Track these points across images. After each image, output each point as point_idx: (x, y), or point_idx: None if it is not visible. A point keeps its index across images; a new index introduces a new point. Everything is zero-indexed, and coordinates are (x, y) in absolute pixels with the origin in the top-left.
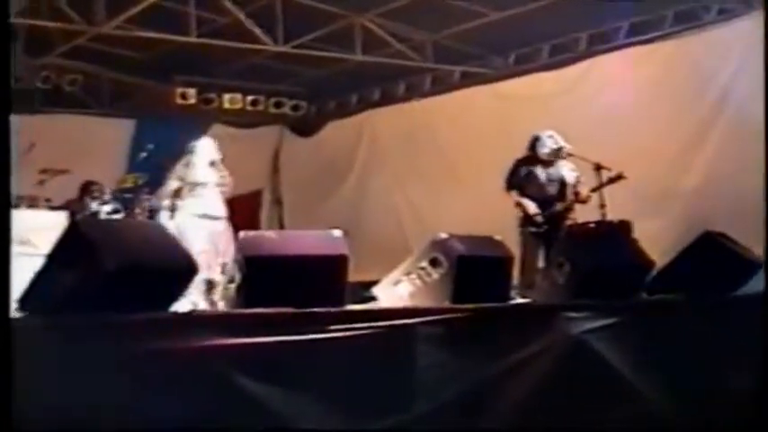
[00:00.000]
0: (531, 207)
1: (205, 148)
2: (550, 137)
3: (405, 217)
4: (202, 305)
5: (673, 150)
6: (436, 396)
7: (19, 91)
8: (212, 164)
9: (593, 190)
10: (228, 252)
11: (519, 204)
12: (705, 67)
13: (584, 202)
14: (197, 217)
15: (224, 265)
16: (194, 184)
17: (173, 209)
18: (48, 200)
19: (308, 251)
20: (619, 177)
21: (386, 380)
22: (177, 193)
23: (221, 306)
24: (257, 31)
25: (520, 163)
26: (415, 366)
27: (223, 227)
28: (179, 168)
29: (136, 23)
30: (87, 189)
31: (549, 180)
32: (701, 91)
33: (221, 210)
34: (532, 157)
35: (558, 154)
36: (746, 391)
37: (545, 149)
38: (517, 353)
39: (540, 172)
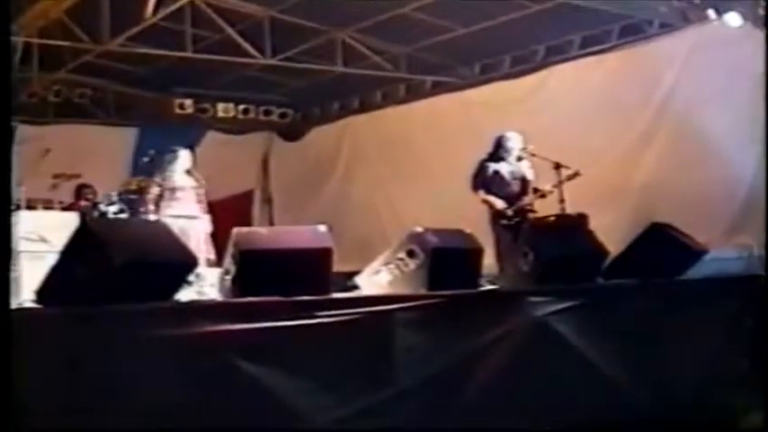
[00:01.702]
0: (499, 203)
1: (181, 158)
2: (514, 137)
3: (383, 213)
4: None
5: (622, 151)
6: (414, 374)
7: (34, 104)
8: (188, 171)
9: (555, 186)
10: (209, 249)
11: (486, 202)
12: (649, 75)
13: (544, 196)
14: (173, 218)
15: (208, 261)
16: (173, 189)
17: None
18: (61, 202)
19: (296, 245)
20: (576, 174)
21: (368, 360)
22: (159, 199)
23: (217, 296)
24: (247, 46)
25: (484, 162)
26: (395, 348)
27: (199, 225)
28: (159, 174)
29: (137, 41)
30: (82, 191)
31: (513, 178)
32: (647, 96)
33: (197, 210)
34: (496, 156)
35: (520, 153)
36: (699, 369)
37: (511, 149)
38: (487, 334)
39: (505, 170)
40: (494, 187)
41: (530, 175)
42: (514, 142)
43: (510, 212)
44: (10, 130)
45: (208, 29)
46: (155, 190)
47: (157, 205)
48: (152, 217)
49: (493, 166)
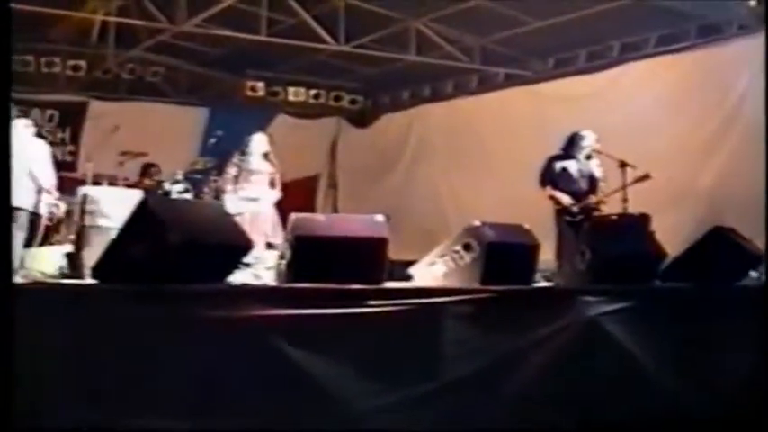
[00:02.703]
0: (566, 199)
1: (258, 142)
2: (588, 136)
3: (447, 204)
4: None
5: (690, 153)
6: (461, 367)
7: (108, 80)
8: (265, 156)
9: (623, 188)
10: (275, 233)
11: (553, 198)
12: (723, 78)
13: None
14: (245, 200)
15: (269, 245)
16: (249, 172)
17: (226, 192)
18: (126, 179)
19: (352, 233)
20: (645, 177)
21: (415, 351)
22: (236, 179)
23: (272, 280)
24: (321, 31)
25: (553, 159)
26: (443, 340)
27: (269, 210)
28: (236, 158)
29: (213, 22)
30: (148, 170)
31: (581, 176)
32: (719, 99)
33: (268, 195)
34: (567, 153)
35: (590, 152)
36: (748, 373)
37: (584, 147)
38: (536, 331)
39: (574, 168)
40: (561, 184)
41: (598, 173)
42: (588, 140)
43: (575, 210)
44: (9, 135)
45: (283, 13)
46: (232, 170)
47: (234, 186)
48: (228, 197)
49: (561, 163)
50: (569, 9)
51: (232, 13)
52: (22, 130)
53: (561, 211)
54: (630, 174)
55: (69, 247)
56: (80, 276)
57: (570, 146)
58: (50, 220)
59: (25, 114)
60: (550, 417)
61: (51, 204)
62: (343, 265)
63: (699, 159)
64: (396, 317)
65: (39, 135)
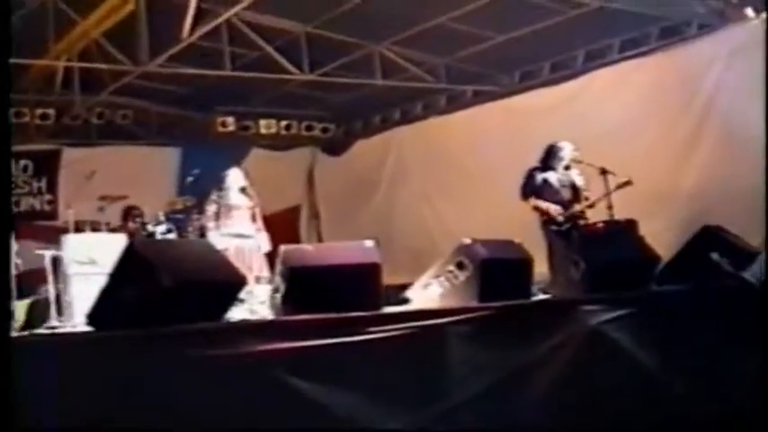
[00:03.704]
0: (553, 208)
1: (234, 177)
2: (566, 146)
3: (431, 224)
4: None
5: (668, 155)
6: (467, 388)
7: (78, 126)
8: (242, 190)
9: (606, 195)
10: (261, 267)
11: (537, 208)
12: (691, 77)
13: (593, 206)
14: (228, 236)
15: (257, 278)
16: (229, 208)
17: (208, 229)
18: (108, 223)
19: (344, 261)
20: (627, 183)
21: (421, 374)
22: (217, 216)
23: (268, 314)
24: (285, 62)
25: (533, 171)
26: (447, 362)
27: (253, 244)
28: (214, 195)
29: (176, 61)
30: (130, 213)
31: (562, 185)
32: (690, 99)
33: (250, 229)
34: (545, 165)
35: (569, 162)
36: (751, 372)
37: (562, 158)
38: (541, 345)
39: (554, 178)
40: (544, 195)
41: (580, 182)
42: (565, 151)
43: (561, 219)
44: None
45: (245, 46)
46: (212, 207)
47: (215, 223)
48: (211, 234)
49: (542, 175)
50: (530, 21)
51: (194, 50)
52: None
53: (548, 221)
54: (612, 180)
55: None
56: (73, 325)
57: (548, 157)
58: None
59: None
60: (562, 430)
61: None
62: (338, 294)
63: (677, 160)
64: (398, 341)
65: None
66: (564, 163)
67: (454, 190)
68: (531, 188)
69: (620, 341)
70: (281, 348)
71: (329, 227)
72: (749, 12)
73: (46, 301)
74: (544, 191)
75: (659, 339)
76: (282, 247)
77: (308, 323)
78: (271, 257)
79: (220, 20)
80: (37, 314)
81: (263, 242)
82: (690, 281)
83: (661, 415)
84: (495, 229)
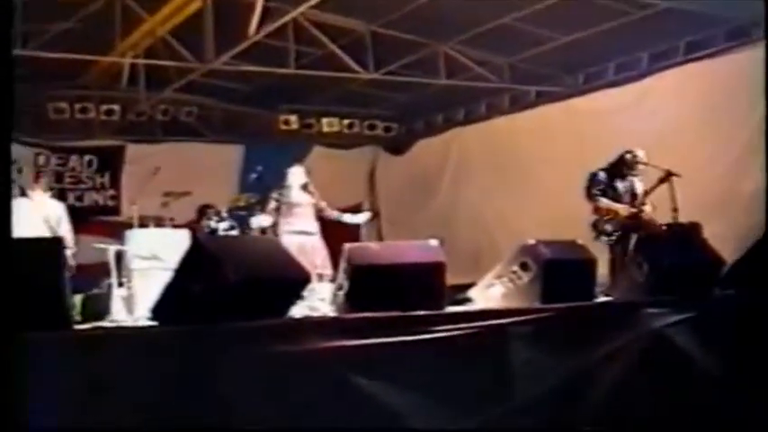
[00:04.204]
0: (621, 208)
1: (296, 174)
2: (641, 155)
3: (492, 225)
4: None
5: (731, 158)
6: (529, 390)
7: (142, 123)
8: (304, 187)
9: (648, 191)
10: (324, 264)
11: (605, 209)
12: (756, 80)
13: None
14: (291, 233)
15: (320, 276)
16: (290, 205)
17: (271, 226)
18: (171, 219)
19: (408, 259)
20: (669, 175)
21: (484, 375)
22: (277, 213)
23: (328, 311)
24: (349, 60)
25: (598, 173)
26: (510, 362)
27: (316, 241)
28: (275, 192)
29: (241, 59)
30: (204, 211)
31: (625, 191)
32: (754, 101)
33: (313, 226)
34: (615, 170)
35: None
36: None
37: (634, 165)
38: (603, 347)
39: (619, 184)
40: (608, 196)
41: (640, 189)
42: (637, 158)
43: (610, 228)
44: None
45: (310, 45)
46: (272, 204)
47: (275, 219)
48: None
49: (606, 178)
50: (595, 22)
51: (259, 48)
52: (38, 197)
53: (597, 229)
54: (677, 184)
55: (124, 292)
56: (135, 319)
57: (618, 163)
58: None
59: (64, 162)
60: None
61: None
62: (402, 293)
63: (740, 164)
64: (461, 341)
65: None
66: (633, 171)
67: (516, 190)
68: (598, 189)
69: (682, 344)
70: (344, 346)
71: (390, 226)
72: None
73: (101, 296)
74: (607, 194)
75: (722, 343)
76: (347, 246)
77: (372, 321)
78: (333, 255)
79: (287, 18)
80: (91, 308)
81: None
82: (753, 285)
83: (723, 419)
84: (558, 231)
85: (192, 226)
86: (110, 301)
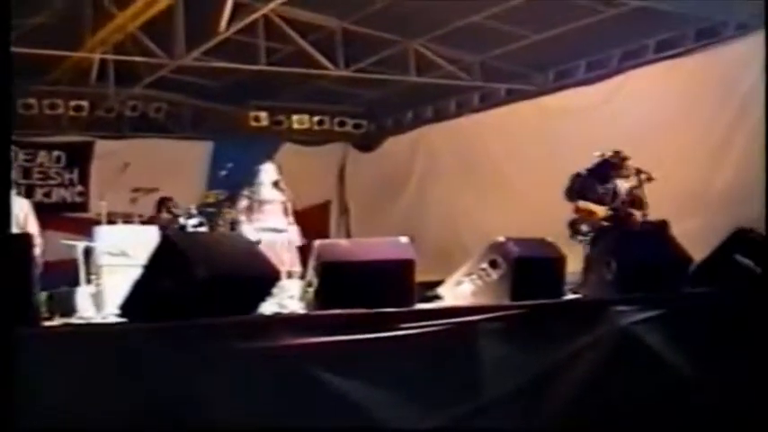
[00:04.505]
0: (599, 209)
1: (268, 172)
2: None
3: (461, 222)
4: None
5: (702, 155)
6: (499, 386)
7: (111, 119)
8: (275, 184)
9: (632, 190)
10: (293, 261)
11: (584, 210)
12: (727, 78)
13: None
14: (261, 231)
15: (289, 273)
16: (261, 202)
17: (240, 223)
18: (140, 216)
19: (378, 256)
20: (648, 179)
21: (453, 372)
22: (249, 210)
23: (298, 308)
24: (320, 57)
25: (580, 175)
26: (480, 359)
27: (286, 239)
28: (246, 189)
29: (211, 55)
30: (163, 204)
31: (605, 192)
32: (725, 99)
33: (283, 224)
34: (597, 173)
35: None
36: None
37: (622, 165)
38: (572, 344)
39: (599, 185)
40: (588, 198)
41: (623, 189)
42: (624, 160)
43: (585, 228)
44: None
45: (281, 41)
46: (243, 202)
47: (247, 217)
48: (243, 228)
49: (587, 178)
50: (566, 20)
51: (230, 44)
52: None
53: (573, 229)
54: (644, 180)
55: (90, 288)
56: (103, 316)
57: (603, 164)
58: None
59: (32, 158)
60: (593, 430)
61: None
62: (372, 290)
63: (711, 161)
64: (431, 338)
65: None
66: (617, 172)
67: (485, 188)
68: (578, 190)
69: (650, 342)
70: (314, 343)
71: (358, 223)
72: None
73: (65, 293)
74: (588, 195)
75: (690, 341)
76: (317, 242)
77: (341, 318)
78: (302, 252)
79: (258, 14)
80: (56, 306)
81: (294, 236)
82: (721, 283)
83: (690, 416)
84: (526, 228)
85: (159, 221)
86: (74, 299)
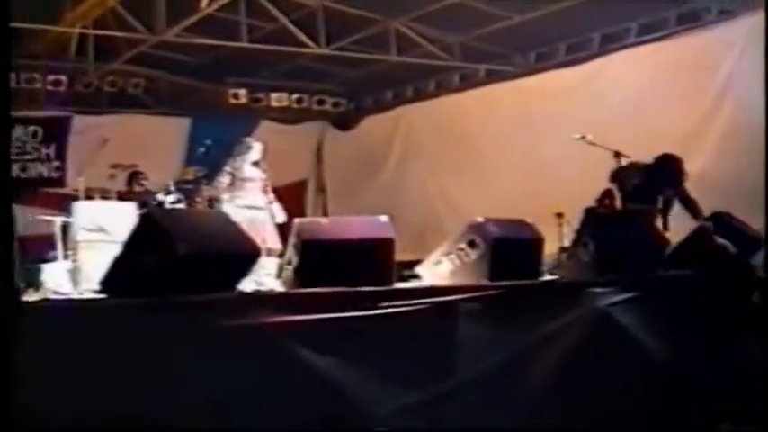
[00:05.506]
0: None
1: (256, 150)
2: None
3: (437, 202)
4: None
5: (680, 139)
6: (477, 364)
7: (89, 94)
8: (256, 163)
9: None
10: (273, 239)
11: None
12: (707, 63)
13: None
14: (241, 208)
15: (269, 251)
16: (243, 180)
17: (222, 201)
18: (118, 192)
19: (358, 235)
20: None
21: (431, 350)
22: (231, 186)
23: (275, 286)
24: (301, 35)
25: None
26: (457, 339)
27: (265, 216)
28: (231, 164)
29: (192, 31)
30: (134, 177)
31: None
32: (705, 84)
33: (263, 201)
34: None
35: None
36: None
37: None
38: (548, 325)
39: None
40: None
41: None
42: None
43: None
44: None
45: (262, 19)
46: (226, 179)
47: (229, 194)
48: (225, 205)
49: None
50: (548, 2)
51: (211, 21)
52: None
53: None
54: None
55: (67, 264)
56: (80, 291)
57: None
58: None
59: None
60: (568, 410)
61: None
62: (351, 268)
63: (689, 144)
64: (409, 317)
65: None
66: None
67: (462, 169)
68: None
69: (626, 323)
70: (293, 321)
71: (335, 202)
72: None
73: (33, 269)
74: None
75: (665, 323)
76: (297, 220)
77: (320, 296)
78: (282, 230)
79: None
80: (29, 280)
81: (277, 213)
82: (697, 265)
83: (664, 398)
84: (504, 209)
85: (131, 194)
86: (41, 274)
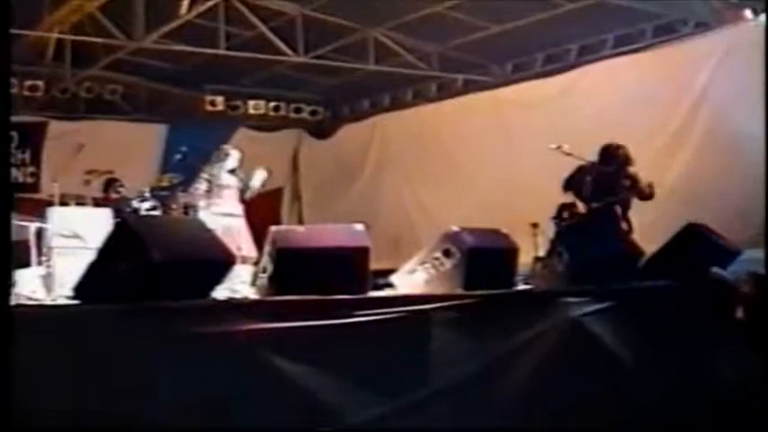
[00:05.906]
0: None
1: (234, 158)
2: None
3: (412, 212)
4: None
5: (655, 151)
6: (450, 373)
7: (66, 100)
8: (233, 171)
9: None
10: (248, 247)
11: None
12: (683, 75)
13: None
14: (217, 215)
15: (244, 258)
16: (220, 186)
17: (198, 208)
18: (94, 198)
19: (333, 243)
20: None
21: (405, 359)
22: (208, 193)
23: (249, 294)
24: (280, 43)
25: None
26: (431, 347)
27: (241, 224)
28: (208, 171)
29: (170, 38)
30: (110, 184)
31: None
32: (680, 96)
33: (238, 209)
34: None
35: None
36: (728, 367)
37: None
38: (522, 334)
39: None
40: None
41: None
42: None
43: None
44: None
45: (241, 26)
46: (203, 186)
47: (207, 201)
48: (201, 213)
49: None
50: (525, 13)
51: (190, 27)
52: None
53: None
54: None
55: (41, 270)
56: (53, 298)
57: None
58: None
59: None
60: (542, 418)
61: None
62: (326, 276)
63: (664, 156)
64: (383, 326)
65: None
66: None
67: (438, 178)
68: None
69: (599, 334)
70: (267, 328)
71: (311, 210)
72: (748, 13)
73: None
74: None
75: (638, 334)
76: (272, 228)
77: (295, 304)
78: (258, 238)
79: None
80: None
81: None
82: (671, 277)
83: (635, 407)
84: (479, 218)
85: (106, 201)
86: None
